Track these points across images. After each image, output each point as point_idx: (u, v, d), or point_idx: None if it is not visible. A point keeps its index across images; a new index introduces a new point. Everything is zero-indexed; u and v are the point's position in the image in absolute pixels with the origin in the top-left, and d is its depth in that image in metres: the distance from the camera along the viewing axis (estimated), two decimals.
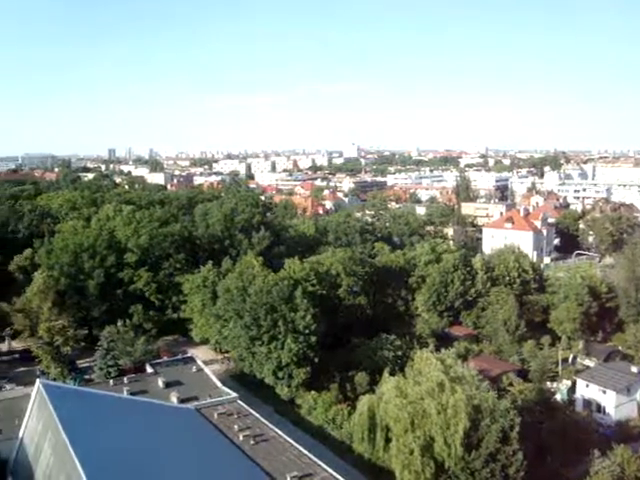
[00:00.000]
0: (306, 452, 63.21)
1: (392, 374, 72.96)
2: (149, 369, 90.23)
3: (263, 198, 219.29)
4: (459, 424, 59.97)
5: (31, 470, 61.93)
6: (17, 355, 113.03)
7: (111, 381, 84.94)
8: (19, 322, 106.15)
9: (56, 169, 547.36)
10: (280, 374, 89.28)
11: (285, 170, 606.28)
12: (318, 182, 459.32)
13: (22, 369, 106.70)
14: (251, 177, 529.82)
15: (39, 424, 65.17)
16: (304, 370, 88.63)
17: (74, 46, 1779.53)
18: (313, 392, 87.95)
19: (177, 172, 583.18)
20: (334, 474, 57.91)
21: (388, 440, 65.17)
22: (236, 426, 69.27)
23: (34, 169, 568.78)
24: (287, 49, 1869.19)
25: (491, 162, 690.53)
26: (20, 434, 68.28)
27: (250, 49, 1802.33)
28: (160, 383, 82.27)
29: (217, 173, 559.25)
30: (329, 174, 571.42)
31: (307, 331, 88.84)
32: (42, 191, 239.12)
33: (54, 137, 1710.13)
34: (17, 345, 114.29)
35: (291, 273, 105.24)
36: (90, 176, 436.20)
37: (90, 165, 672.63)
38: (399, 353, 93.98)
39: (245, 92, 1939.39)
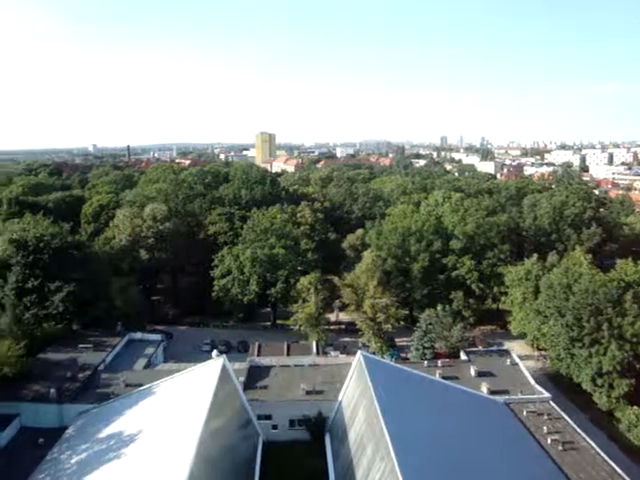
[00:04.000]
0: (620, 472, 57.94)
1: None
2: (463, 356, 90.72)
3: (597, 192, 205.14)
4: None
5: (345, 432, 66.60)
6: (343, 326, 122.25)
7: (425, 362, 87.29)
8: (347, 296, 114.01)
9: (390, 155, 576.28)
10: (599, 381, 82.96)
11: (624, 163, 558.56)
12: None
13: (346, 339, 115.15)
14: (585, 169, 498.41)
15: (356, 391, 69.67)
16: (627, 382, 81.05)
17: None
18: (635, 408, 79.91)
19: (507, 161, 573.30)
20: None
21: None
22: (545, 428, 66.36)
23: (370, 154, 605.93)
24: None
25: None
26: (339, 397, 73.97)
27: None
28: (472, 371, 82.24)
29: (549, 164, 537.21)
30: None
31: (635, 339, 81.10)
32: (376, 175, 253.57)
33: (389, 124, 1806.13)
34: (344, 317, 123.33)
35: (622, 275, 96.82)
36: (421, 162, 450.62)
37: (422, 152, 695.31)
38: None
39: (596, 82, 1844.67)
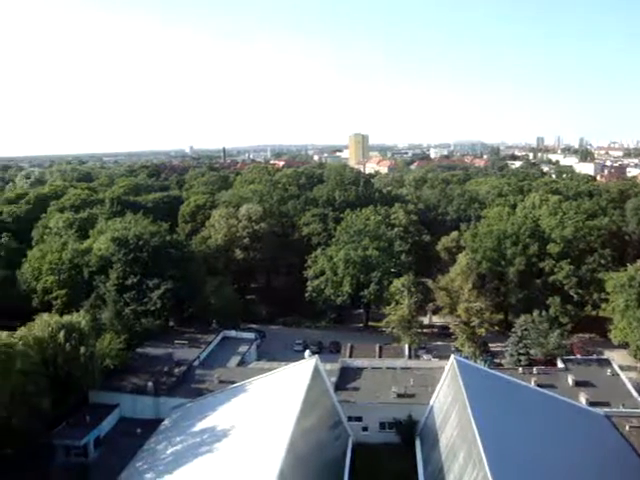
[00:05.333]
0: None
1: None
2: (560, 364, 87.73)
3: None
4: None
5: (436, 436, 65.83)
6: (436, 329, 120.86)
7: (520, 369, 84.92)
8: (441, 299, 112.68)
9: (484, 156, 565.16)
10: None
11: None
12: None
13: (439, 343, 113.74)
14: None
15: (448, 396, 68.73)
16: None
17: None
18: None
19: (608, 163, 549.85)
20: None
21: None
22: None
23: (464, 155, 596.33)
24: None
25: None
26: (431, 401, 73.18)
27: None
28: (569, 381, 79.38)
29: None
30: None
31: None
32: (471, 177, 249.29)
33: (484, 125, 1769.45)
34: (437, 320, 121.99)
35: None
36: (517, 164, 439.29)
37: (518, 153, 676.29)
38: None
39: None
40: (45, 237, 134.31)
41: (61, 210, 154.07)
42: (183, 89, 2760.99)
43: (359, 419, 75.58)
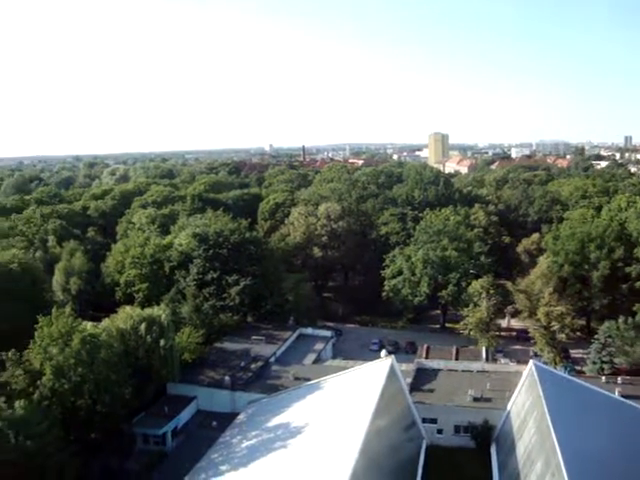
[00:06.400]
0: None
1: None
2: None
3: None
4: None
5: (513, 443, 64.58)
6: (514, 333, 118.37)
7: (603, 378, 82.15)
8: (520, 302, 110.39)
9: (567, 156, 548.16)
10: None
11: None
12: None
13: (517, 347, 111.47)
14: None
15: (527, 402, 67.33)
16: None
17: None
18: None
19: None
20: None
21: None
22: None
23: (547, 155, 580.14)
24: None
25: None
26: (508, 407, 71.84)
27: None
28: None
29: None
30: None
31: None
32: (553, 177, 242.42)
33: (567, 124, 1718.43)
34: (515, 324, 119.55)
35: None
36: (603, 164, 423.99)
37: (603, 153, 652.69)
38: None
39: None
40: (129, 232, 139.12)
41: (144, 206, 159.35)
42: (265, 87, 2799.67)
43: (434, 421, 74.97)
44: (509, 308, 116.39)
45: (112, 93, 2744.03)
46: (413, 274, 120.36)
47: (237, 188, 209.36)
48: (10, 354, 65.11)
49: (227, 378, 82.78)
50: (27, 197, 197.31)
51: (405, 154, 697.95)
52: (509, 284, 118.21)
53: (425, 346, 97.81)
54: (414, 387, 78.33)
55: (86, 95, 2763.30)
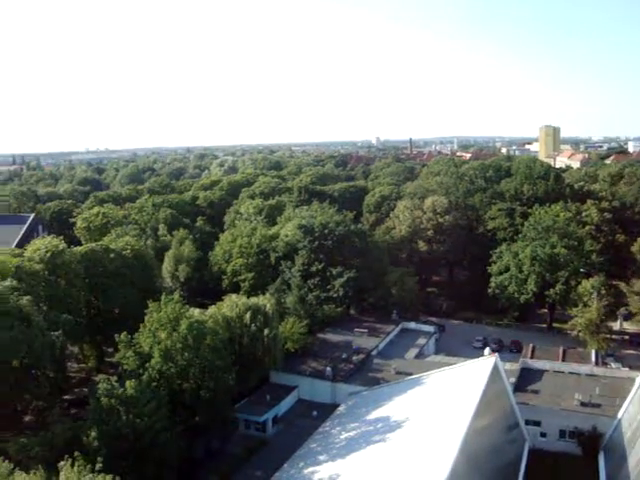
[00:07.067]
0: None
1: None
2: None
3: None
4: None
5: (624, 453, 61.89)
6: (627, 337, 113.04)
7: None
8: (635, 304, 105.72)
9: None
10: None
11: None
12: None
13: (630, 351, 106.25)
14: None
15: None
16: None
17: None
18: None
19: None
20: None
21: None
22: None
23: None
24: None
25: None
26: (619, 414, 68.92)
27: None
28: None
29: None
30: None
31: None
32: None
33: None
34: (629, 327, 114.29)
35: None
36: None
37: None
38: None
39: None
40: (236, 222, 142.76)
41: (252, 197, 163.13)
42: (372, 80, 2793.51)
43: (537, 424, 73.13)
44: (622, 310, 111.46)
45: (223, 87, 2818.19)
46: (520, 271, 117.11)
47: (343, 180, 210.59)
48: (122, 336, 68.54)
49: (329, 369, 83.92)
50: (140, 187, 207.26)
51: (514, 147, 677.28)
52: (622, 285, 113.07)
53: (531, 346, 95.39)
54: (518, 387, 76.75)
55: (198, 89, 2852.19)
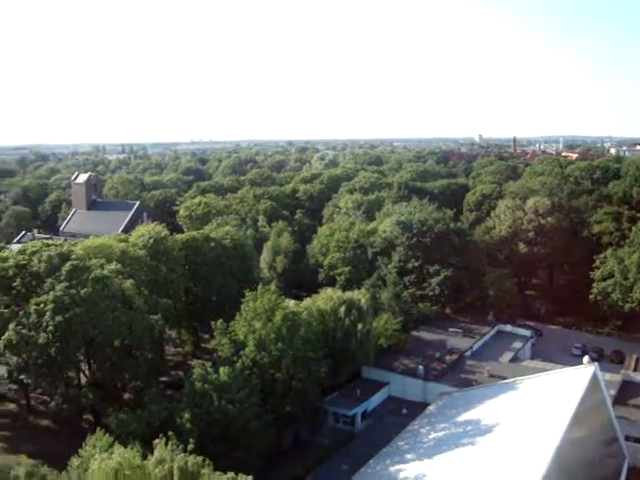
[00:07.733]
0: None
1: None
2: None
3: None
4: None
5: None
6: None
7: None
8: None
9: None
10: None
11: None
12: None
13: None
14: None
15: None
16: None
17: None
18: None
19: None
20: None
21: None
22: None
23: None
24: None
25: None
26: None
27: None
28: None
29: None
30: None
31: None
32: None
33: None
34: None
35: None
36: None
37: None
38: None
39: None
40: (334, 216, 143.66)
41: (351, 191, 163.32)
42: (477, 77, 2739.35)
43: (639, 441, 69.63)
44: None
45: (327, 80, 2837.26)
46: (626, 278, 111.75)
47: (444, 177, 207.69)
48: (218, 323, 70.37)
49: (421, 367, 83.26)
50: (242, 178, 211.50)
51: (624, 148, 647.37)
52: None
53: (635, 357, 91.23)
54: (618, 400, 73.43)
55: (302, 82, 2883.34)
